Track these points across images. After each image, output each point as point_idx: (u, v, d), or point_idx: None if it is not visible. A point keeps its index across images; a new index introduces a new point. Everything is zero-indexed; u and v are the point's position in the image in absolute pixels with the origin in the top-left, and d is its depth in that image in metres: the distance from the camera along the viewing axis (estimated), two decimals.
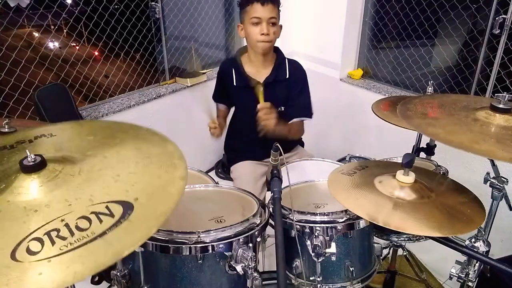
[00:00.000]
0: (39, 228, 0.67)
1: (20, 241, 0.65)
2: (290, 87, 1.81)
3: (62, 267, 0.62)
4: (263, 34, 1.64)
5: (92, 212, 0.71)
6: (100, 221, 0.69)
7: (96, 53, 2.70)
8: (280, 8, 1.69)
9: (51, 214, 0.70)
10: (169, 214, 0.72)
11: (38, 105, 2.02)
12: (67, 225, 0.68)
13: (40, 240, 0.66)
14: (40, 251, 0.64)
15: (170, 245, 1.00)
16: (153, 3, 2.53)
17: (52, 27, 2.36)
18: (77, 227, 0.68)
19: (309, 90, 1.85)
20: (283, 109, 1.82)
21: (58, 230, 0.67)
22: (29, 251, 0.64)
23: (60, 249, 0.64)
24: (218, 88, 1.97)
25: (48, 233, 0.67)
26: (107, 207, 0.72)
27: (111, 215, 0.70)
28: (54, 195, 0.74)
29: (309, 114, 1.82)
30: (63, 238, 0.66)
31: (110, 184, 0.78)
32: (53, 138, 0.95)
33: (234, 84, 1.80)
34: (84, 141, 0.93)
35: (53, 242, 0.65)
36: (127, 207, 0.72)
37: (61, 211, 0.71)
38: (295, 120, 1.80)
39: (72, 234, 0.67)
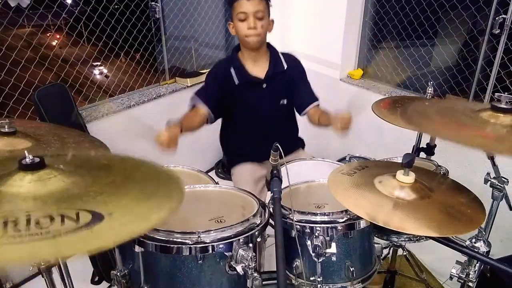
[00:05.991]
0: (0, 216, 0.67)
1: None
2: (289, 78, 1.82)
3: None
4: (250, 28, 1.64)
5: (60, 214, 0.70)
6: (62, 223, 0.68)
7: (58, 36, 2.73)
8: (270, 3, 1.68)
9: (21, 206, 0.70)
10: (136, 235, 0.71)
11: (38, 105, 2.02)
12: (28, 220, 0.67)
13: None
14: None
15: (170, 245, 1.00)
16: (153, 3, 2.53)
17: (52, 27, 2.36)
18: (37, 223, 0.67)
19: (307, 78, 1.88)
20: (285, 102, 1.83)
21: (16, 222, 0.66)
22: None
23: (7, 239, 0.63)
24: (211, 88, 1.83)
25: (5, 222, 0.66)
26: (77, 214, 0.71)
27: (76, 221, 0.69)
28: (36, 191, 0.75)
29: (316, 98, 1.84)
30: (18, 231, 0.65)
31: (94, 196, 0.78)
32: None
33: (236, 83, 1.78)
34: (98, 164, 0.94)
35: (5, 232, 0.64)
36: (97, 218, 0.71)
37: (32, 207, 0.71)
38: (311, 106, 1.81)
39: (28, 228, 0.66)
